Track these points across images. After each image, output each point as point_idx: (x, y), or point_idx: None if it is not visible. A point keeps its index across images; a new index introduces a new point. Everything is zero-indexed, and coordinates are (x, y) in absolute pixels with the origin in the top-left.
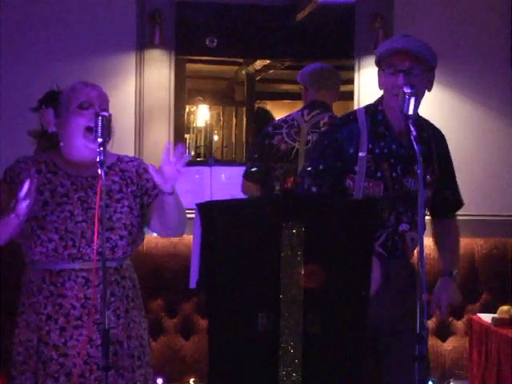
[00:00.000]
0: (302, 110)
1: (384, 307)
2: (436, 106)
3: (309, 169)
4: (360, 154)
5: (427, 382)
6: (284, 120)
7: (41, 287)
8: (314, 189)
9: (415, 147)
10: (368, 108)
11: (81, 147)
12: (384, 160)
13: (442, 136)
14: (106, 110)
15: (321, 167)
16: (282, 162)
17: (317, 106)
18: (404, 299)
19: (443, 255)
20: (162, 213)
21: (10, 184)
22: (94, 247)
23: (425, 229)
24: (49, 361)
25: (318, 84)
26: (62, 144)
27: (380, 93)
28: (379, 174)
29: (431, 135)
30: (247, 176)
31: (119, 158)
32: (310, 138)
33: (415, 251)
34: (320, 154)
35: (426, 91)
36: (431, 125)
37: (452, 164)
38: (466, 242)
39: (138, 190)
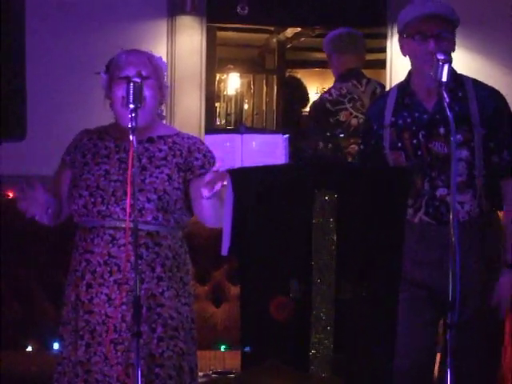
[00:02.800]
0: (346, 80)
1: (440, 277)
2: (465, 73)
3: (360, 147)
4: (384, 129)
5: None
6: (340, 94)
7: (77, 244)
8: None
9: (448, 114)
10: (401, 83)
11: (121, 115)
12: (406, 130)
13: (492, 95)
14: (148, 75)
15: (362, 147)
16: (354, 138)
17: (358, 74)
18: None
19: (506, 237)
20: (200, 204)
21: (63, 159)
22: (127, 208)
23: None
24: (78, 317)
25: (340, 50)
26: (112, 110)
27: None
28: (400, 145)
29: (473, 94)
30: (319, 154)
31: (178, 133)
32: None
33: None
34: (362, 135)
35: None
36: (478, 83)
37: (507, 124)
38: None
39: (184, 164)
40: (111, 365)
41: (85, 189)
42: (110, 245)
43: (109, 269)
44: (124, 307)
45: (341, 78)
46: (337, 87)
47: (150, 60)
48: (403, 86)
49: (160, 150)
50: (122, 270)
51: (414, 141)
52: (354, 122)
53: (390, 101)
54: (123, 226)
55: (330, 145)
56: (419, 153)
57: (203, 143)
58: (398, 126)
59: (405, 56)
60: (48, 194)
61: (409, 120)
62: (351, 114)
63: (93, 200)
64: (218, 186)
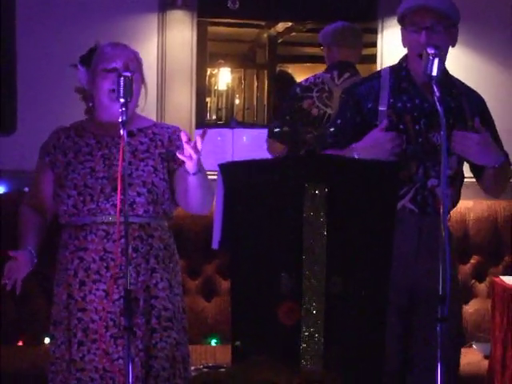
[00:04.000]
0: (330, 71)
1: (414, 266)
2: (461, 68)
3: (331, 129)
4: (380, 108)
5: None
6: (313, 82)
7: (67, 243)
8: (329, 140)
9: (438, 108)
10: (393, 66)
11: (107, 108)
12: (406, 113)
13: (478, 97)
14: (134, 70)
15: (338, 122)
16: (312, 127)
17: (346, 67)
18: (435, 259)
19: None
20: (186, 190)
21: (42, 159)
22: (117, 203)
23: (451, 184)
24: (71, 316)
25: (341, 43)
26: (92, 104)
27: (403, 54)
28: (402, 127)
29: (463, 93)
30: (276, 135)
31: (155, 124)
32: None
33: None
34: (339, 111)
35: (450, 47)
36: (464, 84)
37: (492, 123)
38: (488, 205)
39: (166, 154)
40: (112, 359)
41: (73, 188)
42: (105, 240)
43: (105, 264)
44: (122, 300)
45: (326, 69)
46: (316, 76)
47: (135, 55)
48: (397, 70)
49: (141, 143)
50: (118, 264)
51: (417, 127)
52: (314, 111)
53: (384, 82)
54: (115, 220)
55: (285, 128)
56: (420, 139)
57: (182, 130)
58: (396, 108)
59: (404, 47)
60: (31, 256)
61: (409, 105)
62: (314, 103)
63: (82, 199)
64: (199, 145)
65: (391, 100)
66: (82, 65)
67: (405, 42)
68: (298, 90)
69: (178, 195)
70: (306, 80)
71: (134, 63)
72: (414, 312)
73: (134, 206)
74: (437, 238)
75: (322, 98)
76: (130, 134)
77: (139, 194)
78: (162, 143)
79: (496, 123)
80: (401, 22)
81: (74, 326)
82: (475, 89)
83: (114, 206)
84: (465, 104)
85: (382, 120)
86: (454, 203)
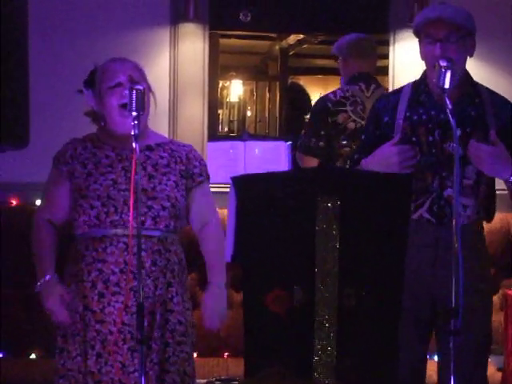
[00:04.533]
0: (355, 83)
1: (432, 276)
2: None
3: (361, 137)
4: (397, 121)
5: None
6: (343, 96)
7: (84, 255)
8: (356, 156)
9: (451, 120)
10: (415, 81)
11: (119, 124)
12: (421, 125)
13: (507, 104)
14: (142, 82)
15: (363, 137)
16: (350, 141)
17: (369, 79)
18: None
19: None
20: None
21: (58, 169)
22: (131, 215)
23: (470, 194)
24: (88, 327)
25: (357, 54)
26: (103, 122)
27: (415, 66)
28: (414, 139)
29: (489, 101)
30: (312, 151)
31: (171, 141)
32: None
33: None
34: (365, 125)
35: (468, 57)
36: (493, 92)
37: None
38: (501, 217)
39: (186, 171)
40: (129, 372)
41: (96, 199)
42: (125, 253)
43: (125, 277)
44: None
45: (350, 81)
46: (343, 89)
47: (136, 65)
48: (418, 84)
49: (162, 157)
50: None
51: (430, 138)
52: (351, 125)
53: (403, 96)
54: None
55: (321, 143)
56: (433, 151)
57: (196, 150)
58: (412, 121)
59: (422, 60)
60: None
61: (424, 117)
62: (349, 117)
63: (106, 210)
64: None
65: (407, 113)
66: (86, 88)
67: (422, 55)
68: (329, 104)
69: (191, 215)
70: (334, 94)
71: (137, 74)
72: (434, 323)
73: (158, 219)
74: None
75: (356, 111)
76: (149, 148)
77: (164, 208)
78: (180, 160)
79: None
80: (416, 34)
81: (91, 338)
82: None
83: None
84: (488, 113)
85: (397, 133)
86: (480, 213)
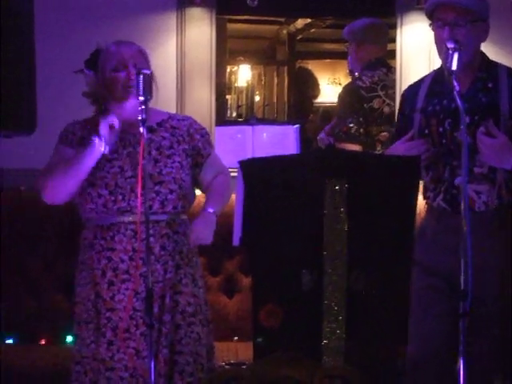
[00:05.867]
0: (377, 68)
1: (451, 263)
2: None
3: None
4: (414, 114)
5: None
6: (373, 82)
7: (93, 243)
8: (394, 141)
9: (458, 102)
10: (437, 69)
11: (122, 107)
12: (434, 116)
13: None
14: (146, 67)
15: (394, 130)
16: (385, 125)
17: (386, 63)
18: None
19: None
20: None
21: (63, 145)
22: (139, 202)
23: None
24: (100, 315)
25: (373, 39)
26: (104, 105)
27: (422, 50)
28: (427, 131)
29: (505, 84)
30: (353, 138)
31: (170, 116)
32: None
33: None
34: (398, 111)
35: (482, 43)
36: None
37: None
38: None
39: (190, 149)
40: (143, 357)
41: (104, 187)
42: (133, 240)
43: (134, 263)
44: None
45: (370, 67)
46: (367, 75)
47: (141, 50)
48: (438, 73)
49: (164, 138)
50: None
51: (441, 129)
52: (386, 109)
53: (423, 86)
54: (143, 219)
55: (361, 130)
56: (443, 141)
57: (196, 122)
58: (427, 112)
59: (436, 44)
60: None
61: (438, 107)
62: (384, 101)
63: (113, 198)
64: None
65: (424, 105)
66: (88, 69)
67: (435, 39)
68: (362, 92)
69: (203, 177)
70: (362, 81)
71: (141, 58)
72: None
73: (165, 203)
74: (479, 234)
75: (388, 94)
76: (151, 130)
77: (171, 191)
78: (183, 138)
79: None
80: (430, 18)
81: (103, 325)
82: None
83: (145, 203)
84: (503, 98)
85: (414, 126)
86: (502, 198)
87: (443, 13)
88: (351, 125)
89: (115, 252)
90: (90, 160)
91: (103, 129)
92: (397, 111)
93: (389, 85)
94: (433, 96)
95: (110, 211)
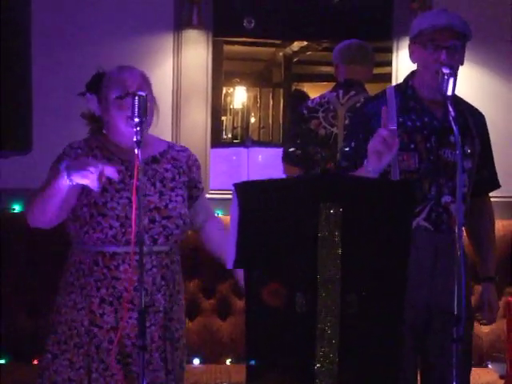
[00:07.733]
0: (336, 90)
1: (430, 284)
2: (465, 83)
3: (345, 149)
4: (390, 127)
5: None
6: (319, 103)
7: (92, 269)
8: (344, 163)
9: (453, 127)
10: (398, 85)
11: (126, 134)
12: (417, 132)
13: (481, 114)
14: (148, 92)
15: (352, 144)
16: (321, 147)
17: (351, 85)
18: (450, 277)
19: (482, 252)
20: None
21: (56, 165)
22: (132, 230)
23: (464, 201)
24: (101, 344)
25: (348, 59)
26: (106, 130)
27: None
28: (412, 146)
29: (468, 111)
30: (288, 159)
31: (170, 146)
32: (347, 122)
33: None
34: (351, 132)
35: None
36: (467, 103)
37: (490, 144)
38: (504, 224)
39: (189, 181)
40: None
41: (115, 219)
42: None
43: (138, 294)
44: (153, 328)
45: (333, 87)
46: (322, 96)
47: (143, 74)
48: (403, 88)
49: (166, 170)
50: (150, 293)
51: (428, 145)
52: (321, 131)
53: (390, 101)
54: (150, 251)
55: (298, 151)
56: (431, 157)
57: (193, 153)
58: (407, 128)
59: (414, 63)
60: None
61: (418, 123)
62: (320, 123)
63: (123, 230)
64: None
65: (400, 119)
66: (90, 92)
67: (417, 59)
68: (304, 111)
69: (196, 224)
70: (312, 101)
71: (144, 83)
72: (429, 331)
73: (170, 237)
74: (452, 257)
75: (327, 117)
76: (155, 161)
77: (177, 227)
78: (182, 170)
79: (497, 136)
80: (415, 38)
81: (96, 353)
82: (477, 101)
83: (152, 237)
84: (470, 122)
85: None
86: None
87: (441, 36)
88: (291, 149)
89: (120, 281)
90: (58, 191)
91: (98, 179)
92: (353, 127)
93: (333, 108)
94: (408, 112)
95: (119, 242)
